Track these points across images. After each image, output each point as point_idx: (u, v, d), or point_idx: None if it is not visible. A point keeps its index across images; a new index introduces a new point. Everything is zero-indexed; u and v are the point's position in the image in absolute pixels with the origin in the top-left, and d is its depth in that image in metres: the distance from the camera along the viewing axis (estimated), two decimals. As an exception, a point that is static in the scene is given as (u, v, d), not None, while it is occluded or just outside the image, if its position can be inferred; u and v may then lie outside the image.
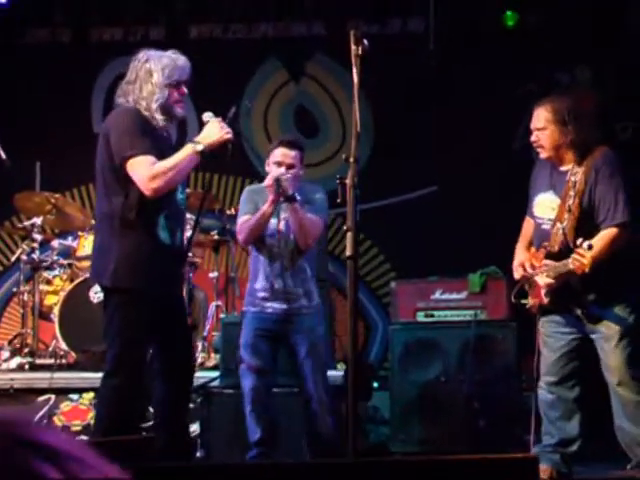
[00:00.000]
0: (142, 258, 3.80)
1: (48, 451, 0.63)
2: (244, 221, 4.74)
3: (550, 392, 4.42)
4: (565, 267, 4.08)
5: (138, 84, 3.87)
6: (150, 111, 3.84)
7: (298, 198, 4.63)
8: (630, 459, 4.26)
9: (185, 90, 3.97)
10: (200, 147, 3.82)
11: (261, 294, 4.74)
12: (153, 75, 3.86)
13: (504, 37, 7.73)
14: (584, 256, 3.94)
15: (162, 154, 3.83)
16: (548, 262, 4.24)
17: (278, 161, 4.70)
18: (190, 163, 3.87)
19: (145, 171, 3.73)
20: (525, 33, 7.68)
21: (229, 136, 3.87)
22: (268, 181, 4.61)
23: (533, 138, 4.38)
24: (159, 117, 3.85)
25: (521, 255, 4.50)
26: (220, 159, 3.97)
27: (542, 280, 4.23)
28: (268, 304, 4.72)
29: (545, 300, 4.29)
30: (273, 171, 4.66)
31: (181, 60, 3.96)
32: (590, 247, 3.92)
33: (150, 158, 3.75)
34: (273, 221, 4.71)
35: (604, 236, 4.17)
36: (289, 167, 4.67)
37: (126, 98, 3.90)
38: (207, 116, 3.95)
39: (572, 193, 4.23)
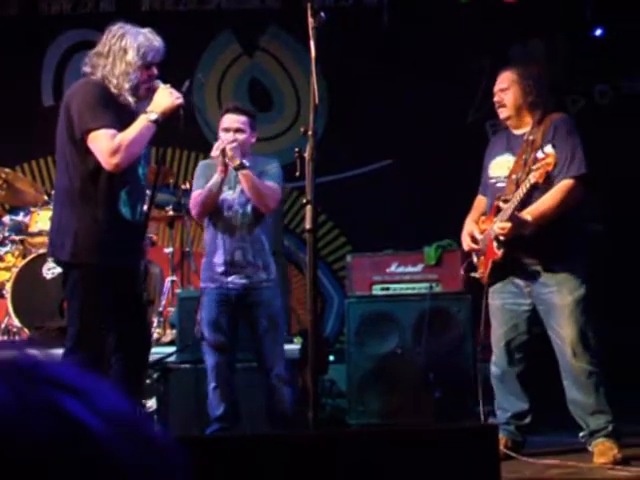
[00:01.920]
0: (102, 233, 3.75)
1: (68, 386, 0.64)
2: (196, 195, 4.71)
3: (498, 366, 4.46)
4: (525, 187, 4.10)
5: (111, 59, 3.78)
6: (120, 89, 3.76)
7: (247, 164, 4.59)
8: (582, 429, 4.33)
9: (155, 71, 3.89)
10: (154, 116, 3.75)
11: (220, 268, 4.70)
12: (128, 53, 3.77)
13: (458, 11, 7.73)
14: (547, 157, 3.98)
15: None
16: (503, 206, 4.25)
17: (226, 127, 4.68)
18: (148, 132, 3.81)
19: (106, 145, 3.67)
20: (479, 8, 7.70)
21: (180, 101, 3.80)
22: (214, 151, 4.58)
23: (496, 98, 4.46)
24: (129, 96, 3.79)
25: (469, 226, 4.54)
26: (174, 128, 3.92)
27: (497, 225, 4.19)
28: (229, 279, 4.69)
29: (498, 254, 4.26)
30: (219, 140, 4.63)
31: (157, 41, 3.87)
32: (553, 146, 3.99)
33: (112, 132, 3.69)
34: (228, 192, 4.68)
35: (559, 187, 4.19)
36: (237, 132, 4.64)
37: (94, 70, 3.81)
38: (158, 82, 3.88)
39: (529, 149, 4.27)
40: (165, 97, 3.80)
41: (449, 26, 7.60)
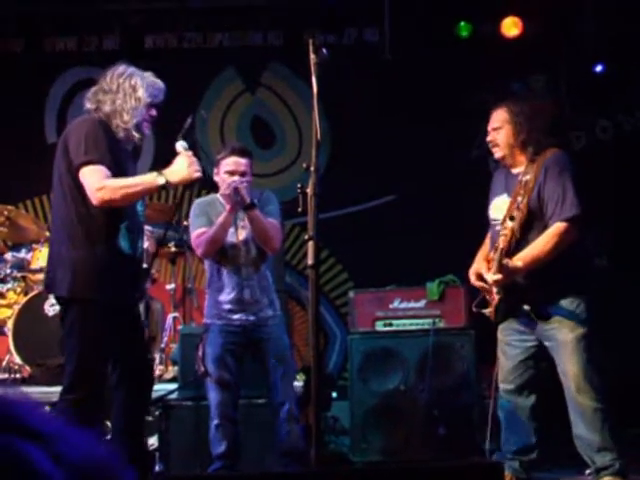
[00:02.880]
0: (101, 268, 3.74)
1: (34, 432, 0.61)
2: (200, 234, 4.68)
3: (507, 400, 4.44)
4: (502, 243, 4.18)
5: (121, 95, 3.83)
6: (126, 124, 3.81)
7: (257, 204, 4.61)
8: (588, 466, 4.28)
9: (155, 113, 3.94)
10: (162, 181, 3.73)
11: (227, 306, 4.68)
12: (138, 91, 3.84)
13: (458, 47, 7.78)
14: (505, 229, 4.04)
15: (121, 167, 3.79)
16: (493, 255, 4.26)
17: (231, 170, 4.66)
18: (146, 191, 3.85)
19: (94, 180, 3.69)
20: (479, 44, 7.76)
21: (197, 175, 3.77)
22: (226, 190, 4.57)
23: (489, 138, 4.47)
24: (135, 133, 3.83)
25: (477, 263, 4.54)
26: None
27: (490, 277, 4.22)
28: (236, 316, 4.67)
29: (496, 298, 4.28)
30: (229, 180, 4.62)
31: (160, 83, 3.96)
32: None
33: (102, 168, 3.70)
34: (231, 231, 4.68)
35: (551, 231, 4.19)
36: (242, 175, 4.65)
37: (100, 106, 3.85)
38: (180, 145, 3.88)
39: (522, 192, 4.27)
40: (184, 169, 3.77)
41: (450, 61, 7.64)
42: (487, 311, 4.46)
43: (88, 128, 3.78)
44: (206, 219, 4.70)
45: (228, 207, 4.58)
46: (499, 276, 4.15)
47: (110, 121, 3.82)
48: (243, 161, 4.69)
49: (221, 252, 4.69)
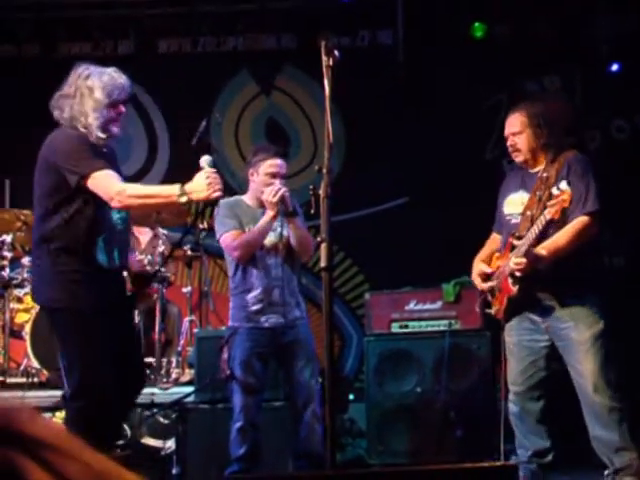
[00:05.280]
0: (79, 280, 3.74)
1: (28, 442, 0.61)
2: (235, 237, 4.64)
3: (516, 404, 4.40)
4: (540, 224, 4.07)
5: (78, 99, 3.80)
6: (88, 128, 3.78)
7: (299, 212, 4.60)
8: (606, 467, 4.26)
9: (123, 109, 3.88)
10: (184, 199, 3.61)
11: (255, 307, 4.65)
12: (94, 92, 3.79)
13: (473, 48, 7.77)
14: (562, 193, 3.94)
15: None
16: (518, 243, 4.22)
17: (273, 172, 4.64)
18: (165, 205, 3.83)
19: (110, 184, 3.68)
20: (494, 44, 7.74)
21: (217, 195, 3.61)
22: (274, 197, 4.51)
23: (509, 142, 4.42)
24: (99, 134, 3.79)
25: (477, 266, 4.54)
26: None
27: (513, 261, 4.16)
28: (264, 317, 4.65)
29: (514, 290, 4.23)
30: (268, 182, 4.60)
31: (122, 79, 3.87)
32: (568, 184, 3.95)
33: (110, 172, 3.71)
34: None
35: (574, 224, 4.18)
36: (282, 177, 4.64)
37: (61, 111, 3.84)
38: (204, 161, 3.70)
39: (543, 187, 4.26)
40: (203, 188, 3.59)
41: (464, 62, 7.62)
42: (492, 310, 4.45)
43: (72, 140, 3.77)
44: (237, 221, 4.68)
45: (272, 213, 4.54)
46: (523, 260, 4.12)
47: (74, 126, 3.80)
48: (284, 163, 4.70)
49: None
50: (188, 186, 3.62)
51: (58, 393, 5.65)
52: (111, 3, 8.02)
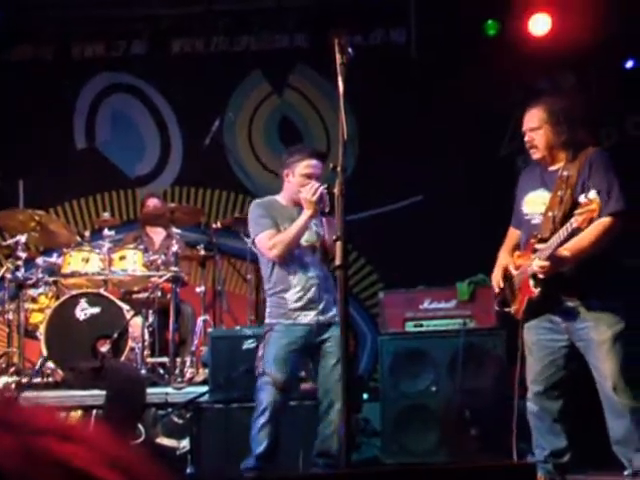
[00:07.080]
0: None
1: (66, 435, 0.60)
2: (271, 236, 4.64)
3: (535, 403, 4.37)
4: (566, 231, 4.00)
5: None
6: None
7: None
8: (625, 467, 4.22)
9: None
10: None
11: (293, 305, 4.66)
12: None
13: (486, 46, 7.73)
14: (591, 203, 3.86)
15: None
16: (541, 246, 4.17)
17: (309, 173, 4.66)
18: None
19: None
20: (507, 41, 7.70)
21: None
22: (313, 196, 4.52)
23: (527, 138, 4.35)
24: None
25: (504, 259, 4.47)
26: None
27: (536, 264, 4.12)
28: (302, 314, 4.66)
29: (535, 292, 4.19)
30: (306, 182, 4.60)
31: None
32: (598, 192, 3.89)
33: None
34: None
35: (597, 224, 4.09)
36: (318, 178, 4.65)
37: None
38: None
39: (564, 186, 4.19)
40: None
41: (477, 60, 7.59)
42: (511, 309, 4.41)
43: None
44: (272, 221, 4.69)
45: (309, 212, 4.56)
46: (546, 263, 4.08)
47: None
48: (320, 164, 4.70)
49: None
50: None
51: (73, 393, 5.68)
52: (125, 3, 8.04)
